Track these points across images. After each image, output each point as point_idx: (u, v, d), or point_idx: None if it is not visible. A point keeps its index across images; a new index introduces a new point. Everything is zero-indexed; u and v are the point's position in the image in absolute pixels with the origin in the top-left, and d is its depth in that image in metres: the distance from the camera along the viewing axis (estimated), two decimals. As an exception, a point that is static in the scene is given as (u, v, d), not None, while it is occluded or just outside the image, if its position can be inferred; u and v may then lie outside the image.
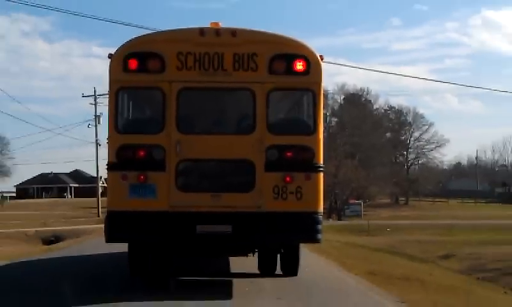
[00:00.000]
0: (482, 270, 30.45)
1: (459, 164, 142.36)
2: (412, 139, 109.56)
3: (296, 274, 13.20)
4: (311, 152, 11.32)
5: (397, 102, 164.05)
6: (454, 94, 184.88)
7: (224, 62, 11.17)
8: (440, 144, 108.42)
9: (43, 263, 18.95)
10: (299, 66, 11.34)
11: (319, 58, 11.50)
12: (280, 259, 13.48)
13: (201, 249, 12.22)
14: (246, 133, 11.39)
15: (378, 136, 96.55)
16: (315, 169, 11.36)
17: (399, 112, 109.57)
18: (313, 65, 11.36)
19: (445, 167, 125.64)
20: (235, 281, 12.87)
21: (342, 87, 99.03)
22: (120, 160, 11.20)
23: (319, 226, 11.29)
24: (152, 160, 11.13)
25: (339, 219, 72.43)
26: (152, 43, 11.56)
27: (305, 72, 11.35)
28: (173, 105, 11.18)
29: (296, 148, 11.30)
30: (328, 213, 78.06)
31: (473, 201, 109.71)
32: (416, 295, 12.35)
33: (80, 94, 73.49)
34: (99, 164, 74.01)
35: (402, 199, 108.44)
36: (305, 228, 11.23)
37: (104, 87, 75.27)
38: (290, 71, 11.33)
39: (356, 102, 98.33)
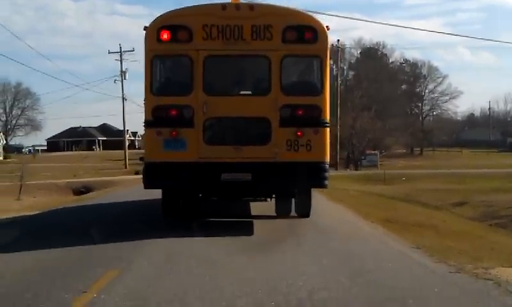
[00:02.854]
0: (495, 217, 30.39)
1: (472, 115, 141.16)
2: (427, 91, 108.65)
3: (308, 216, 14.22)
4: (319, 110, 12.63)
5: (411, 55, 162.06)
6: (466, 47, 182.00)
7: (244, 32, 12.38)
8: (453, 96, 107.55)
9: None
10: (308, 35, 12.55)
11: (325, 28, 12.66)
12: (294, 203, 14.45)
13: (225, 194, 13.63)
14: (263, 94, 12.72)
15: (394, 88, 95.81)
16: (323, 124, 12.69)
17: (414, 65, 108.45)
18: (320, 35, 12.59)
19: (458, 118, 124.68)
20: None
21: (358, 42, 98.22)
22: (155, 119, 12.48)
23: (326, 174, 12.68)
24: (182, 118, 12.44)
25: (356, 169, 72.14)
26: (181, 17, 12.67)
27: (313, 41, 12.56)
28: (199, 70, 12.45)
29: (305, 107, 12.60)
30: (346, 164, 77.97)
31: (486, 151, 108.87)
32: (430, 241, 12.38)
33: (105, 51, 73.30)
34: (126, 118, 73.44)
35: (416, 149, 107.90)
36: (314, 176, 12.59)
37: (128, 44, 75.60)
38: (301, 40, 12.55)
39: (372, 55, 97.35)
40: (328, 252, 10.43)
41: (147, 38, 12.58)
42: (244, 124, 12.71)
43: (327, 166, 12.77)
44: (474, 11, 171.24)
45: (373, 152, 73.73)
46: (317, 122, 12.60)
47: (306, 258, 9.93)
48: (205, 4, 13.49)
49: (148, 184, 12.81)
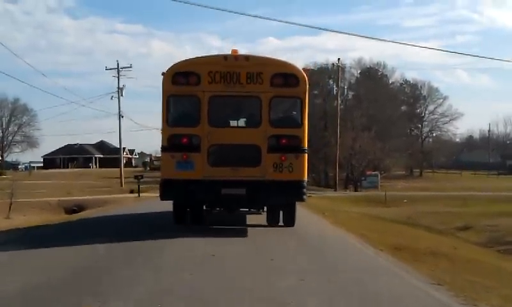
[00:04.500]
0: (502, 243, 29.25)
1: (470, 137, 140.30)
2: (427, 112, 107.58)
3: (293, 225, 16.80)
4: (299, 139, 15.56)
5: (410, 76, 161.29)
6: (464, 69, 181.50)
7: (241, 78, 15.33)
8: (454, 117, 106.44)
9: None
10: (291, 81, 15.54)
11: (305, 75, 15.78)
12: (282, 215, 17.12)
13: (225, 205, 16.87)
14: (255, 126, 15.67)
15: (394, 109, 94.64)
16: (302, 151, 15.59)
17: (414, 87, 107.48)
18: (300, 81, 15.63)
19: (457, 140, 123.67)
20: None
21: (358, 62, 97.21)
22: (170, 145, 15.40)
23: (304, 190, 15.73)
24: (191, 145, 15.30)
25: (356, 190, 70.85)
26: (191, 65, 15.72)
27: (295, 85, 15.56)
28: (205, 107, 15.39)
29: (288, 137, 15.50)
30: (345, 184, 76.70)
31: (485, 173, 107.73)
32: (449, 274, 11.01)
33: (104, 68, 71.90)
34: (123, 135, 72.24)
35: (416, 170, 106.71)
36: (295, 191, 15.49)
37: (126, 61, 74.28)
38: (285, 84, 15.51)
39: (372, 76, 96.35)
40: (340, 291, 9.04)
41: (164, 81, 15.52)
42: (239, 150, 15.53)
43: (305, 184, 15.79)
44: (472, 34, 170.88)
45: (373, 173, 72.31)
46: (297, 149, 15.53)
47: (314, 298, 8.53)
48: (211, 55, 16.35)
49: (164, 196, 15.83)
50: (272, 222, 17.18)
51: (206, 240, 13.94)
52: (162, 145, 15.66)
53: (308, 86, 15.78)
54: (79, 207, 41.41)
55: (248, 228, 16.76)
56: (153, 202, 33.62)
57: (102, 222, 21.51)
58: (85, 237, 15.15)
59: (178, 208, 16.47)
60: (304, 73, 15.87)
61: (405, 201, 50.29)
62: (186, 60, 16.17)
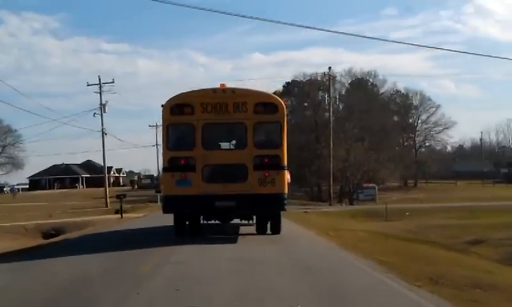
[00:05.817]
0: (525, 259, 25.98)
1: (461, 146, 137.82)
2: (419, 121, 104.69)
3: (278, 233, 18.96)
4: (279, 158, 17.61)
5: (398, 87, 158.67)
6: (451, 80, 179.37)
7: (228, 107, 17.48)
8: (447, 126, 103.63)
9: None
10: (271, 109, 17.71)
11: (283, 103, 18.19)
12: (269, 225, 19.40)
13: (218, 216, 19.14)
14: (241, 148, 17.83)
15: (386, 119, 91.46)
16: (282, 168, 17.61)
17: (405, 97, 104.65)
18: (279, 108, 17.85)
19: (447, 150, 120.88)
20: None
21: (349, 72, 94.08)
22: (170, 166, 17.54)
23: (285, 201, 17.90)
24: (188, 165, 17.36)
25: (351, 204, 67.54)
26: (186, 98, 17.83)
27: (274, 112, 17.69)
28: (199, 133, 17.52)
29: (270, 156, 17.55)
30: (339, 198, 73.42)
31: (479, 182, 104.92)
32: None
33: (89, 88, 68.09)
34: (110, 154, 68.86)
35: (410, 182, 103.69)
36: (277, 202, 17.64)
37: (110, 78, 70.42)
38: (266, 112, 17.62)
39: (362, 86, 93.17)
40: None
41: (164, 112, 17.73)
42: (229, 168, 17.64)
43: (286, 196, 17.92)
44: (458, 44, 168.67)
45: (370, 185, 68.74)
46: (278, 166, 17.60)
47: None
48: (202, 89, 18.41)
49: (166, 210, 18.10)
50: (261, 231, 19.51)
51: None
52: (163, 166, 18.25)
53: (285, 112, 18.40)
54: (57, 231, 38.11)
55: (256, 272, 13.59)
56: (135, 223, 30.53)
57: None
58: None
59: (178, 221, 18.54)
60: (282, 101, 18.44)
61: (407, 214, 47.11)
62: (181, 93, 18.21)
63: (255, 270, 12.32)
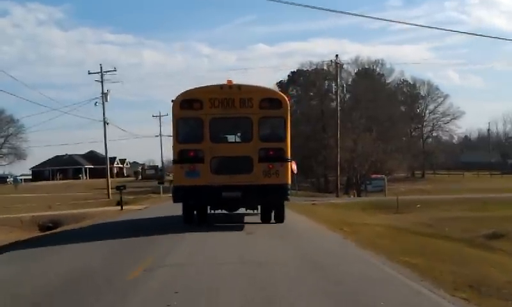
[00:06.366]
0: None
1: (467, 137, 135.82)
2: (427, 111, 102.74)
3: (282, 222, 19.62)
4: (283, 151, 18.56)
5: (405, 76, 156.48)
6: (455, 71, 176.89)
7: (235, 103, 18.48)
8: (455, 116, 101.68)
9: None
10: (275, 104, 18.76)
11: (287, 99, 19.24)
12: (273, 214, 20.05)
13: (225, 205, 20.08)
14: (247, 141, 18.84)
15: (393, 109, 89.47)
16: (286, 160, 18.55)
17: (412, 86, 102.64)
18: (283, 103, 18.85)
19: (454, 140, 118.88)
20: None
21: (355, 60, 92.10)
22: (180, 158, 18.62)
23: (288, 191, 18.75)
24: (197, 157, 18.38)
25: (358, 195, 65.62)
26: (195, 93, 18.87)
27: (279, 107, 18.69)
28: (207, 127, 18.53)
29: (274, 149, 18.52)
30: (346, 189, 71.60)
31: (487, 173, 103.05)
32: None
33: (92, 78, 66.06)
34: (114, 144, 67.24)
35: (417, 172, 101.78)
36: (281, 193, 18.53)
37: (117, 70, 68.75)
38: (271, 107, 18.66)
39: (369, 76, 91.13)
40: None
41: (174, 107, 18.59)
42: (235, 160, 18.38)
43: (289, 186, 18.64)
44: (463, 36, 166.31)
45: (379, 176, 66.57)
46: (282, 159, 18.37)
47: None
48: (210, 85, 19.01)
49: (176, 199, 18.77)
50: (265, 220, 20.17)
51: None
52: (173, 158, 19.21)
53: (289, 107, 19.16)
54: (54, 223, 36.42)
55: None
56: (136, 214, 29.07)
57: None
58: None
59: (187, 210, 19.46)
60: (286, 97, 19.33)
61: (418, 206, 45.28)
62: (191, 89, 19.14)
63: (268, 275, 10.61)
